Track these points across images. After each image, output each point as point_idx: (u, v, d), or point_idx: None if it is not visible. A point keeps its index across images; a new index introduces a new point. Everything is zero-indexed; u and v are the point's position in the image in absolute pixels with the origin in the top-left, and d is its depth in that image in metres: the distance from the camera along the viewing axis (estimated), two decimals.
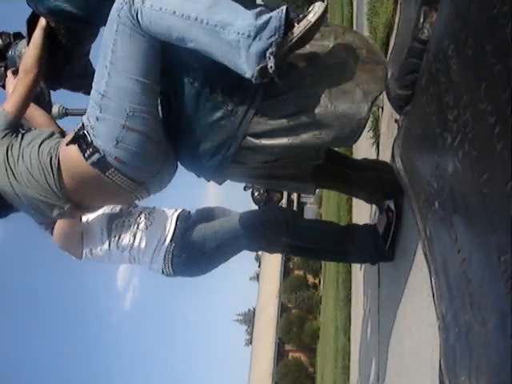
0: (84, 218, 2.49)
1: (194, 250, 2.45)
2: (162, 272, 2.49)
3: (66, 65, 2.14)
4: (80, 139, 1.77)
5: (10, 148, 1.90)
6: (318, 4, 1.67)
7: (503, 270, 0.84)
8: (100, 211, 2.56)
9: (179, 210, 2.60)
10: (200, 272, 2.59)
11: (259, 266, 35.69)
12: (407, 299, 2.30)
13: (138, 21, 1.68)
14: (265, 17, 1.63)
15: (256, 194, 11.65)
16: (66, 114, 6.49)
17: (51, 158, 1.83)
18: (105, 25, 1.98)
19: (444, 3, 1.13)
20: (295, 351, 27.82)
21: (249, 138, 1.84)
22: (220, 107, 1.82)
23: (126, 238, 2.48)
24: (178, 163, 2.03)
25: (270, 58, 1.60)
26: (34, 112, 2.17)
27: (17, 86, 1.98)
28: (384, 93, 1.74)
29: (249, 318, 40.24)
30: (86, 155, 1.76)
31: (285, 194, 17.72)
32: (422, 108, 1.29)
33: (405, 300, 2.34)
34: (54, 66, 2.08)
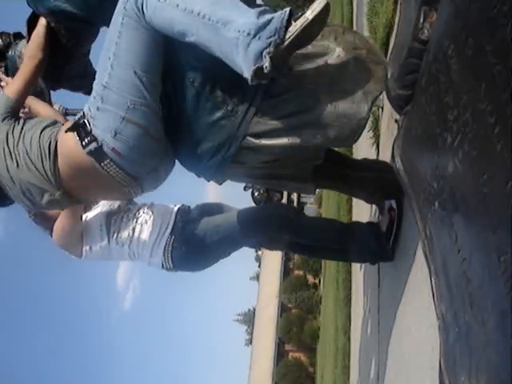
0: (83, 217, 2.49)
1: (195, 244, 2.45)
2: (162, 266, 2.48)
3: (65, 65, 2.14)
4: (79, 127, 1.78)
5: (10, 131, 1.91)
6: (317, 2, 1.60)
7: (503, 270, 0.84)
8: (98, 209, 2.56)
9: (179, 205, 2.60)
10: (200, 266, 2.58)
11: (259, 266, 35.72)
12: (407, 299, 2.30)
13: (143, 12, 1.69)
14: (267, 16, 1.60)
15: (256, 193, 11.65)
16: (66, 113, 6.47)
17: (50, 143, 1.84)
18: (105, 25, 1.98)
19: (444, 3, 1.13)
20: (295, 351, 27.81)
21: (249, 137, 1.84)
22: (220, 107, 1.82)
23: (125, 233, 2.47)
24: (178, 163, 2.03)
25: (265, 58, 1.57)
26: (39, 107, 2.18)
27: (20, 71, 1.99)
28: (384, 93, 1.74)
29: (249, 318, 40.25)
30: (83, 143, 1.76)
31: (285, 194, 17.70)
32: (422, 108, 1.29)
33: (405, 300, 2.34)
34: (54, 65, 2.08)
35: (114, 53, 1.70)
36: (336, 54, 1.83)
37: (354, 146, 5.04)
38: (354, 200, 6.30)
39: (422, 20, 1.28)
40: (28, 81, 1.97)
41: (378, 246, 2.49)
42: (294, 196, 21.30)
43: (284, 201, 17.74)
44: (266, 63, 1.56)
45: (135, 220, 2.51)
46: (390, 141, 2.43)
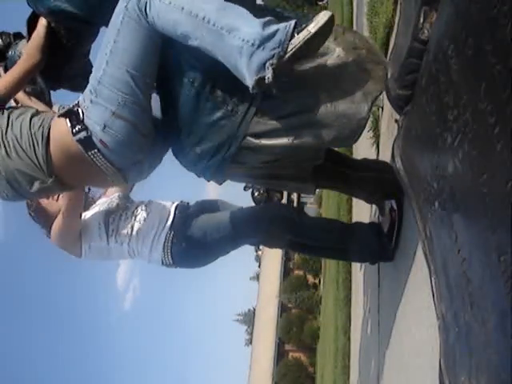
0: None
1: (195, 240, 2.44)
2: (162, 263, 2.48)
3: (65, 65, 2.14)
4: (73, 114, 1.82)
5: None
6: (321, 14, 1.63)
7: (503, 270, 0.84)
8: (96, 208, 2.56)
9: (177, 202, 2.60)
10: (200, 263, 2.58)
11: (259, 266, 35.69)
12: (407, 299, 2.30)
13: (146, 13, 1.70)
14: (272, 28, 1.63)
15: (256, 193, 11.65)
16: None
17: (43, 129, 1.86)
18: (105, 25, 1.98)
19: (444, 3, 1.13)
20: (295, 351, 27.79)
21: (249, 138, 1.84)
22: (220, 107, 1.82)
23: (124, 230, 2.47)
24: (179, 163, 2.04)
25: (268, 69, 1.60)
26: (33, 105, 2.17)
27: (16, 67, 1.98)
28: (384, 93, 1.74)
29: (249, 318, 40.24)
30: (74, 131, 1.80)
31: (285, 193, 17.71)
32: (422, 108, 1.29)
33: (405, 300, 2.34)
34: (54, 66, 2.08)
35: (110, 50, 1.73)
36: (336, 54, 1.83)
37: (354, 145, 5.04)
38: (354, 200, 6.30)
39: (421, 20, 1.28)
40: (20, 78, 1.97)
41: (380, 246, 2.49)
42: (294, 196, 21.29)
43: (284, 201, 17.74)
44: (269, 74, 1.59)
45: (133, 218, 2.51)
46: (390, 141, 2.43)
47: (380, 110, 3.94)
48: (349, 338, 6.59)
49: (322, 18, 1.61)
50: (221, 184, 2.13)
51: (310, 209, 20.74)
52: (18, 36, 2.23)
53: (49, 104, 2.29)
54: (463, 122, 0.99)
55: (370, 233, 2.53)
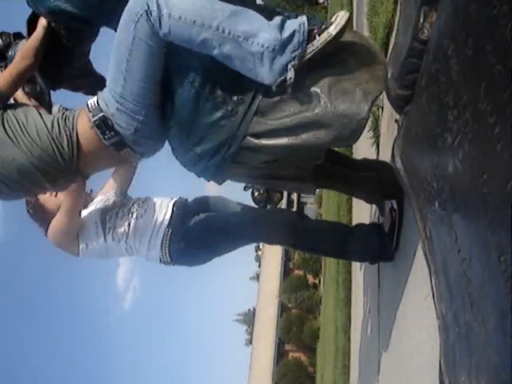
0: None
1: (195, 240, 2.43)
2: (160, 260, 2.47)
3: (66, 65, 2.14)
4: (102, 122, 1.89)
5: (6, 121, 1.92)
6: (341, 14, 1.71)
7: (503, 270, 0.84)
8: (92, 206, 2.55)
9: (175, 198, 2.58)
10: (199, 262, 2.56)
11: (259, 266, 35.68)
12: (407, 299, 2.30)
13: (157, 31, 1.71)
14: (288, 30, 1.70)
15: (256, 193, 11.67)
16: None
17: (69, 136, 1.92)
18: (105, 25, 1.98)
19: (444, 3, 1.13)
20: (295, 351, 27.79)
21: (249, 138, 1.84)
22: (220, 107, 1.82)
23: (121, 228, 2.45)
24: (178, 163, 2.04)
25: (290, 70, 1.69)
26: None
27: (11, 67, 1.99)
28: (384, 93, 1.74)
29: (249, 318, 40.23)
30: (106, 137, 1.90)
31: (285, 193, 17.72)
32: (422, 108, 1.29)
33: (405, 300, 2.34)
34: (54, 66, 2.08)
35: (125, 68, 1.77)
36: (336, 54, 1.83)
37: (354, 145, 5.05)
38: (354, 200, 6.30)
39: (422, 20, 1.28)
40: (16, 78, 1.97)
41: (381, 246, 2.49)
42: (294, 196, 21.29)
43: (284, 201, 17.74)
44: (291, 75, 1.69)
45: (130, 215, 2.49)
46: (390, 141, 2.43)
47: (380, 109, 3.94)
48: (349, 338, 6.59)
49: (342, 19, 1.70)
50: (221, 184, 2.13)
51: (310, 209, 20.73)
52: (18, 36, 2.23)
53: (49, 104, 2.29)
54: (463, 122, 0.99)
55: (371, 233, 2.53)
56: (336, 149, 2.65)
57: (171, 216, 2.46)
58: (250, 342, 35.37)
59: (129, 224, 2.46)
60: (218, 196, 2.68)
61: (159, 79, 1.82)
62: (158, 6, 1.68)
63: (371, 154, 4.04)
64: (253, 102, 1.80)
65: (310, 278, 27.83)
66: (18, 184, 1.97)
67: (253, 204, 10.80)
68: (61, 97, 2.37)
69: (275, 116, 1.81)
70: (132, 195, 2.68)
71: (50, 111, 2.24)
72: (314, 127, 1.79)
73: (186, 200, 2.59)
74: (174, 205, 2.51)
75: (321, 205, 19.01)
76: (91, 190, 2.64)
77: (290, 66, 1.69)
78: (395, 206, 2.44)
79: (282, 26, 1.71)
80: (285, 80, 1.71)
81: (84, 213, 2.49)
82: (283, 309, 28.17)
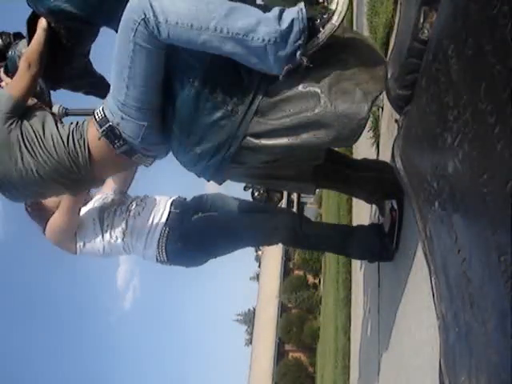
0: None
1: (193, 242, 2.43)
2: (157, 259, 2.46)
3: (66, 65, 2.14)
4: (109, 132, 1.91)
5: (24, 134, 1.95)
6: (341, 2, 1.71)
7: (503, 270, 0.83)
8: (90, 204, 2.55)
9: (174, 197, 2.58)
10: (196, 263, 2.56)
11: (259, 266, 35.68)
12: (407, 299, 2.30)
13: (157, 37, 1.71)
14: (287, 20, 1.68)
15: (256, 193, 11.66)
16: (66, 114, 6.46)
17: (83, 150, 1.96)
18: (105, 25, 1.98)
19: (444, 3, 1.13)
20: (295, 351, 27.77)
21: (249, 138, 1.84)
22: (220, 107, 1.82)
23: (119, 226, 2.45)
24: (179, 163, 2.04)
25: (302, 59, 1.70)
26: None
27: (22, 76, 1.99)
28: (384, 93, 1.74)
29: (249, 318, 40.23)
30: (115, 146, 1.93)
31: (285, 193, 17.69)
32: (422, 108, 1.29)
33: (405, 300, 2.34)
34: (54, 66, 2.07)
35: (128, 76, 1.78)
36: (336, 53, 1.83)
37: (354, 145, 5.04)
38: (354, 200, 6.30)
39: (422, 20, 1.28)
40: (30, 85, 1.99)
41: (382, 246, 2.49)
42: (294, 196, 21.27)
43: (284, 201, 17.72)
44: (305, 61, 1.71)
45: (128, 213, 2.48)
46: (390, 141, 2.43)
47: (380, 109, 3.94)
48: (349, 338, 6.59)
49: (343, 8, 1.72)
50: (221, 184, 2.13)
51: (310, 209, 20.73)
52: (18, 36, 2.23)
53: (49, 104, 2.29)
54: (463, 122, 0.99)
55: (372, 233, 2.53)
56: (336, 149, 2.65)
57: (169, 215, 2.45)
58: (250, 342, 35.38)
59: (126, 222, 2.45)
60: (217, 193, 2.67)
61: (161, 79, 1.82)
62: (154, 13, 1.67)
63: (371, 154, 4.04)
64: (253, 101, 1.80)
65: (310, 278, 27.82)
66: (35, 192, 2.07)
67: None
68: (61, 97, 2.38)
69: (275, 116, 1.81)
70: (131, 194, 2.68)
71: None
72: (314, 127, 1.79)
73: (185, 199, 2.59)
74: (171, 204, 2.51)
75: (321, 205, 19.00)
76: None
77: (298, 55, 1.70)
78: (395, 206, 2.44)
79: (280, 17, 1.70)
80: (292, 68, 1.71)
81: (82, 211, 2.49)
82: (283, 309, 28.16)
